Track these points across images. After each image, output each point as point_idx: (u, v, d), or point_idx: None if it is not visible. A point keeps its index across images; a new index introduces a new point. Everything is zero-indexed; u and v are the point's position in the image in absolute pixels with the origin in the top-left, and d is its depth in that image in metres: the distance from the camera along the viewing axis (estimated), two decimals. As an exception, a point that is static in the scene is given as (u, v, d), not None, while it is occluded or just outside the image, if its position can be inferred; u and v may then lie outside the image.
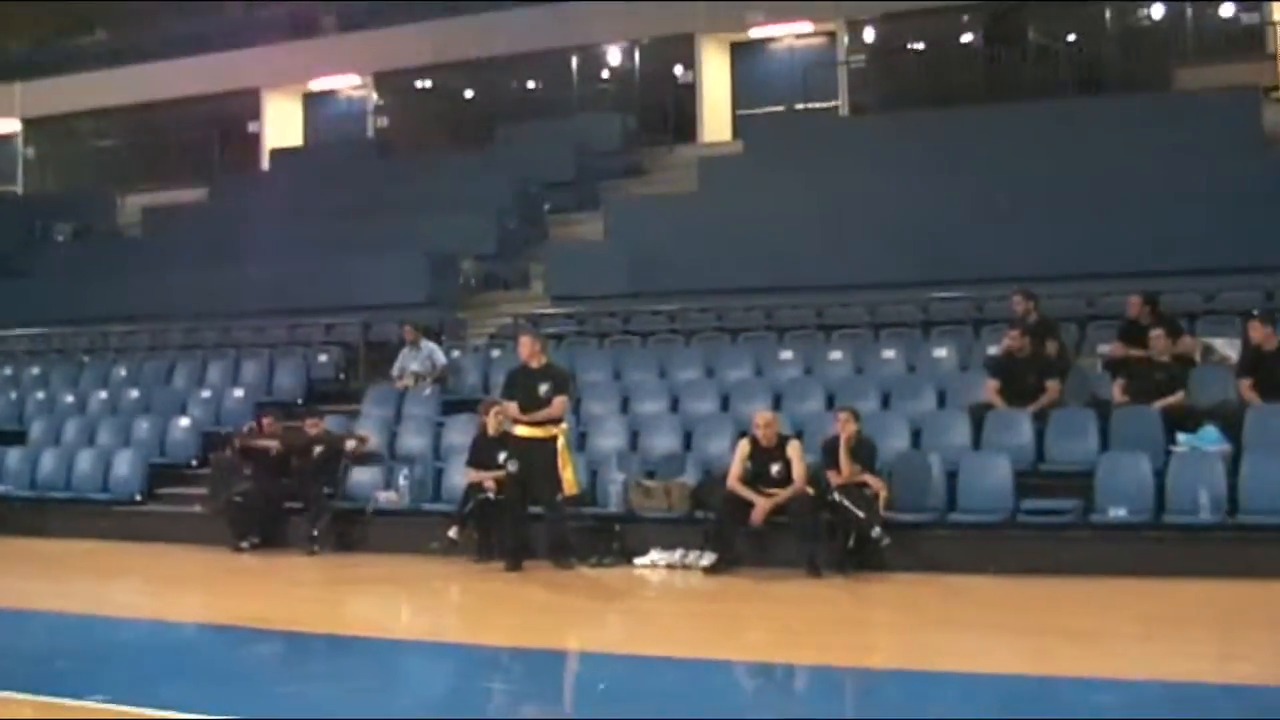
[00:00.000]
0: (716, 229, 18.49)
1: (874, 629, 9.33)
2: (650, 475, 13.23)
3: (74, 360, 20.74)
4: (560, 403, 12.42)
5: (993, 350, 13.46)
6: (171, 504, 15.82)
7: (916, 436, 12.80)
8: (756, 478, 12.00)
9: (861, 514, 11.41)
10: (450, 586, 12.00)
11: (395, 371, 16.92)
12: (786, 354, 15.11)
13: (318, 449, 14.33)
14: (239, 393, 17.49)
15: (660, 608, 10.59)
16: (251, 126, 30.82)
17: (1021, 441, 12.25)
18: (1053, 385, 12.58)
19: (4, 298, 23.28)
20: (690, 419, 14.17)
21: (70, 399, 18.72)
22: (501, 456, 12.74)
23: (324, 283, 20.16)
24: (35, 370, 20.15)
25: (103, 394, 18.52)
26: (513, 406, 12.50)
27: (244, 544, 14.20)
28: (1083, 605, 10.03)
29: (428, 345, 17.03)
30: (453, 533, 13.05)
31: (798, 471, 11.69)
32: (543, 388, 12.45)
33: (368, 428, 15.49)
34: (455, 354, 17.43)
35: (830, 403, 13.81)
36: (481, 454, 13.17)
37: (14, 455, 17.13)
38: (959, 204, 17.05)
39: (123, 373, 19.23)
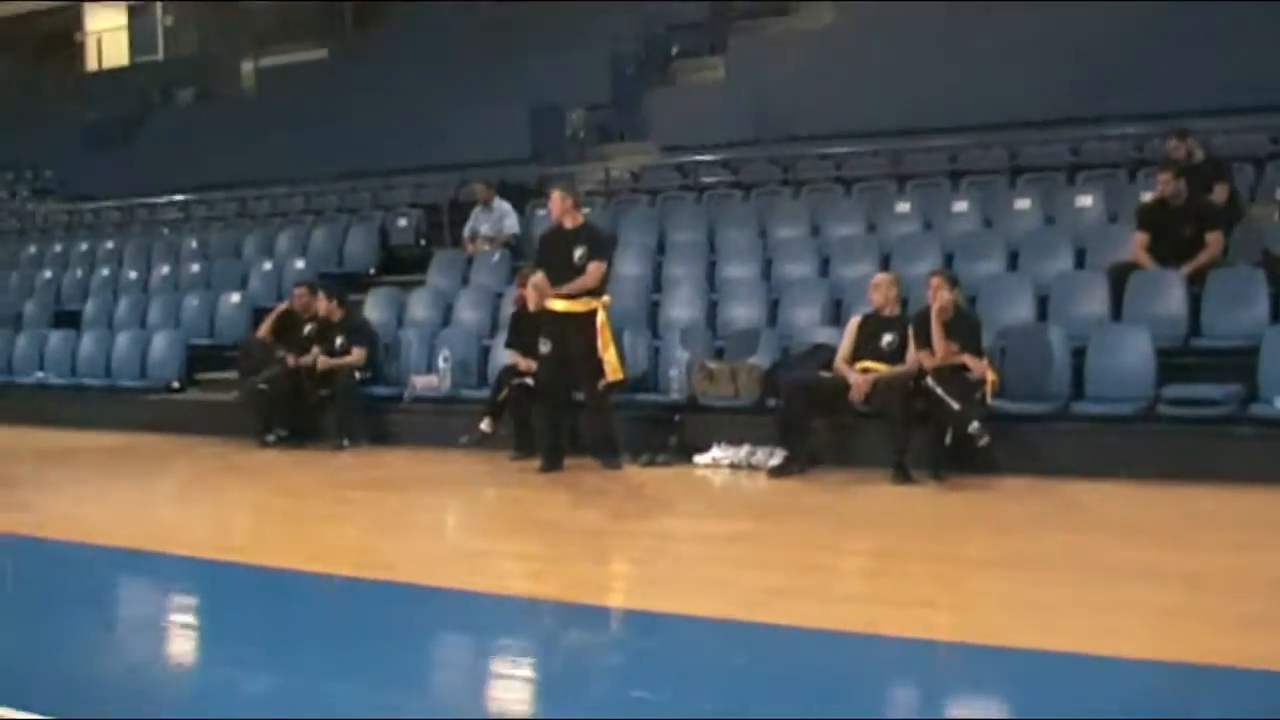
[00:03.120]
0: (847, 68, 15.89)
1: (948, 567, 6.91)
2: (720, 355, 10.96)
3: (154, 233, 19.10)
4: (597, 269, 10.23)
5: (1147, 197, 10.78)
6: (213, 391, 14.00)
7: (1043, 305, 10.30)
8: (868, 354, 9.73)
9: (957, 404, 9.00)
10: (461, 494, 9.98)
11: (466, 234, 14.95)
12: (904, 206, 12.65)
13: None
14: (300, 263, 15.57)
15: (695, 529, 8.33)
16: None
17: (1170, 311, 9.72)
18: (1214, 238, 9.98)
19: (115, 167, 22.02)
20: (781, 284, 11.86)
21: (133, 275, 17.06)
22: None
23: (417, 140, 18.11)
24: (109, 244, 18.54)
25: (165, 269, 16.80)
26: (541, 277, 10.31)
27: (270, 436, 12.39)
28: (1243, 525, 7.60)
29: (500, 205, 14.99)
30: (485, 425, 11.08)
31: (939, 342, 9.39)
32: (577, 252, 10.27)
33: (422, 302, 13.47)
34: (541, 213, 15.24)
35: (950, 264, 11.34)
36: (521, 333, 11.09)
37: (55, 339, 15.52)
38: (1119, 25, 14.11)
39: (193, 245, 17.46)
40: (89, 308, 16.43)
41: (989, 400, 9.32)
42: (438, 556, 7.63)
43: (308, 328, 12.79)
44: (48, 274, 18.20)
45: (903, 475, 9.13)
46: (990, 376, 9.37)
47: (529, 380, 10.80)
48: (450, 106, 18.49)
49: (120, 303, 16.19)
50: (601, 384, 10.26)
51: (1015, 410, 9.34)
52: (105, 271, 17.56)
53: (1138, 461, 8.90)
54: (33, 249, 19.72)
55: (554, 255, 10.38)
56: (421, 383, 12.11)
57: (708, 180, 15.39)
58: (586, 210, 14.63)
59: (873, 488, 9.12)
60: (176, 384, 14.29)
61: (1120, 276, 10.05)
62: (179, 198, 19.93)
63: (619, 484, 9.88)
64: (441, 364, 12.04)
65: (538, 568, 7.28)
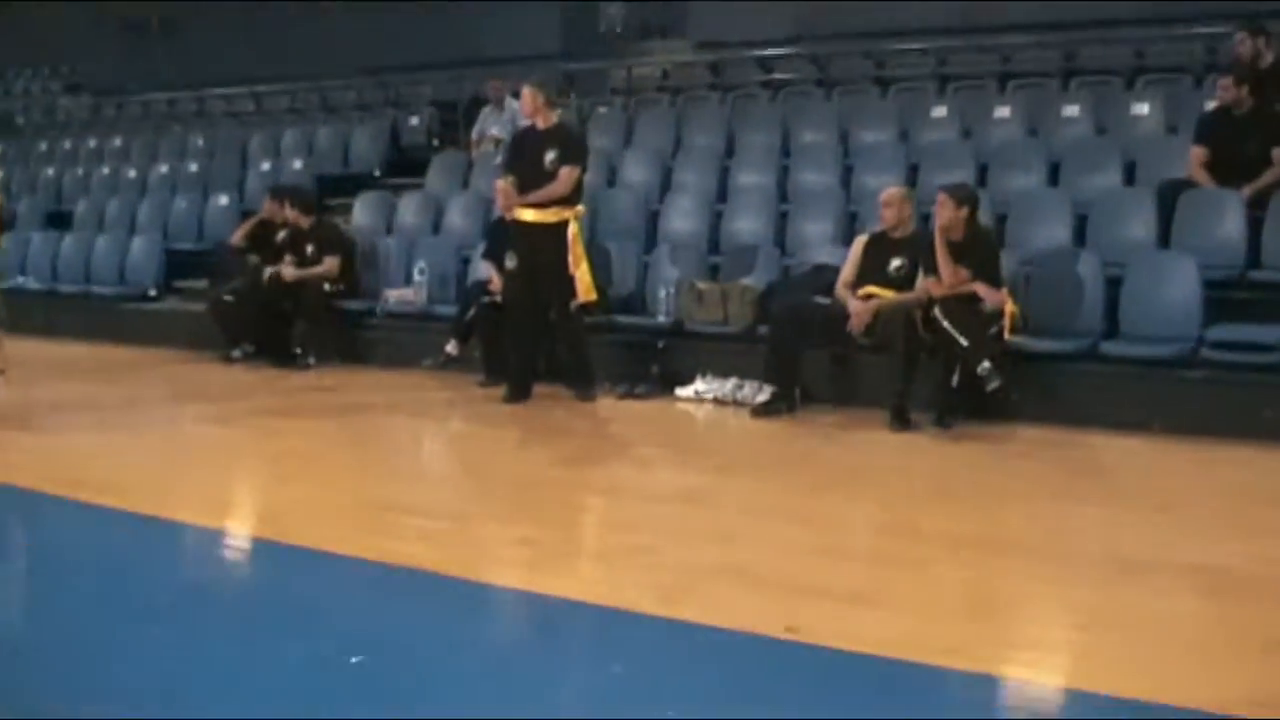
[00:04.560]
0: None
1: (918, 546, 5.64)
2: (714, 275, 9.71)
3: (166, 130, 18.03)
4: (569, 175, 8.99)
5: (1211, 105, 9.33)
6: (192, 301, 12.92)
7: (1081, 226, 8.92)
8: (874, 278, 8.42)
9: (965, 340, 7.70)
10: (405, 427, 8.86)
11: (475, 135, 13.71)
12: (940, 111, 11.25)
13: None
14: (299, 164, 14.41)
15: (646, 481, 7.12)
16: None
17: (1225, 237, 8.36)
18: (1281, 155, 8.53)
19: (145, 61, 21.06)
20: (795, 195, 10.54)
21: (132, 174, 15.98)
22: (512, 251, 9.41)
23: (441, 34, 16.86)
24: (117, 141, 17.47)
25: (164, 168, 15.69)
26: (507, 182, 9.10)
27: (235, 352, 11.34)
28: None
29: (513, 105, 13.63)
30: (450, 347, 10.00)
31: (944, 268, 8.03)
32: (548, 156, 9.05)
33: (413, 207, 12.30)
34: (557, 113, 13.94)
35: (983, 177, 10.01)
36: (499, 244, 9.85)
37: (38, 240, 14.51)
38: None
39: (200, 143, 16.35)
40: (80, 208, 15.42)
41: (1007, 336, 8.00)
42: (334, 509, 6.46)
43: (280, 236, 11.66)
44: (49, 171, 17.18)
45: (901, 420, 7.89)
46: (1009, 308, 8.07)
47: (499, 298, 9.59)
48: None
49: (110, 204, 15.09)
50: (573, 304, 9.06)
51: (1036, 348, 8.05)
52: (105, 170, 16.52)
53: (1175, 414, 7.62)
54: (43, 146, 18.68)
55: (523, 159, 9.19)
56: (395, 296, 10.99)
57: (736, 80, 14.02)
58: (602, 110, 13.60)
59: (866, 434, 7.89)
60: (153, 292, 13.17)
61: (1171, 196, 8.68)
62: (198, 93, 18.80)
63: (584, 419, 8.73)
64: (417, 276, 10.89)
65: (438, 528, 6.11)
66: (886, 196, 8.56)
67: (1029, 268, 8.51)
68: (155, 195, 14.98)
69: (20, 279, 14.05)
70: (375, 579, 5.06)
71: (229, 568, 5.55)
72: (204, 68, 19.51)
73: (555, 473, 7.25)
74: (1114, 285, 8.19)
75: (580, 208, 9.18)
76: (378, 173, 14.72)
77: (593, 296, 9.09)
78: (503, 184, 9.15)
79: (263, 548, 5.75)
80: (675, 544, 5.68)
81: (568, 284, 8.99)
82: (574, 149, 9.11)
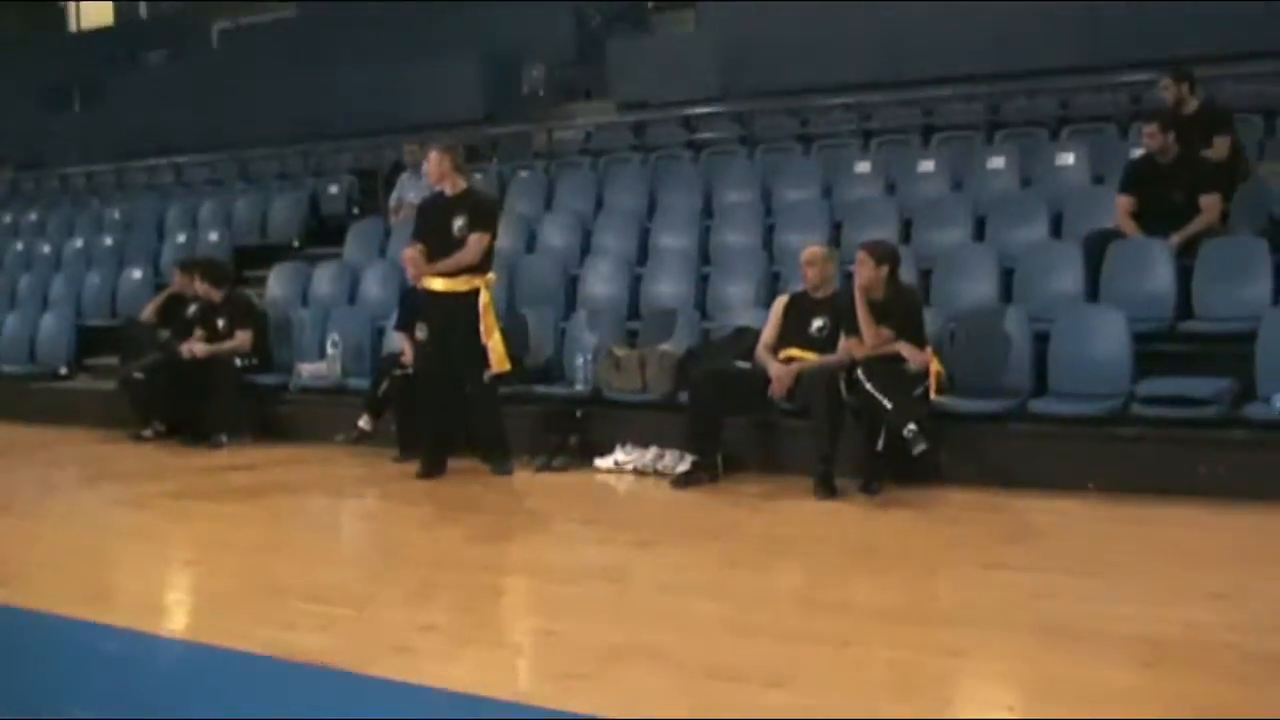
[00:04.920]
0: (816, 19, 14.10)
1: (839, 622, 5.35)
2: (632, 342, 9.42)
3: (84, 203, 17.63)
4: (478, 242, 8.70)
5: (1137, 154, 9.15)
6: (105, 378, 12.49)
7: (1008, 280, 8.69)
8: (795, 340, 8.13)
9: (889, 402, 7.42)
10: (313, 506, 8.48)
11: (392, 202, 13.34)
12: (863, 166, 11.03)
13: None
14: (214, 235, 14.07)
15: (559, 559, 6.78)
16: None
17: (1154, 288, 8.13)
18: (1209, 202, 8.39)
19: (67, 131, 20.69)
20: (717, 256, 10.29)
21: (47, 250, 15.55)
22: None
23: (363, 99, 16.55)
24: (33, 216, 17.07)
25: (78, 243, 15.29)
26: (415, 250, 8.79)
27: (147, 431, 10.92)
28: (1226, 563, 6.03)
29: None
30: (363, 422, 9.65)
31: (865, 328, 7.77)
32: (457, 223, 8.74)
33: (327, 277, 11.96)
34: (478, 176, 13.66)
35: (908, 232, 9.78)
36: (410, 315, 9.51)
37: (-48, 320, 14.06)
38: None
39: (116, 216, 15.97)
40: (-8, 285, 14.95)
41: (933, 396, 7.74)
42: (233, 597, 6.12)
43: (191, 310, 11.29)
44: (-37, 248, 16.72)
45: (826, 488, 7.59)
46: (934, 368, 7.81)
47: (412, 370, 9.27)
48: (398, 62, 16.95)
49: (22, 280, 14.67)
50: (486, 375, 8.74)
51: (963, 409, 7.79)
52: (19, 246, 16.07)
53: (1108, 473, 7.36)
54: (-43, 222, 18.22)
55: (432, 226, 8.88)
56: (309, 370, 10.63)
57: (659, 140, 13.81)
58: (524, 174, 13.32)
59: (791, 502, 7.59)
60: (64, 370, 12.75)
61: (1099, 247, 8.48)
62: (115, 165, 18.43)
63: (500, 494, 8.40)
64: (330, 349, 10.54)
65: (339, 615, 5.74)
66: (808, 255, 8.31)
67: (954, 324, 8.25)
68: (69, 270, 14.57)
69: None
70: (252, 674, 4.70)
71: (96, 664, 5.15)
72: (124, 139, 19.12)
73: (469, 552, 6.91)
74: (1042, 341, 7.96)
75: (491, 275, 8.88)
76: (296, 243, 14.38)
77: (506, 366, 8.79)
78: (411, 252, 8.85)
79: (142, 642, 5.36)
80: (584, 626, 5.37)
81: (480, 354, 8.68)
82: (483, 215, 8.83)
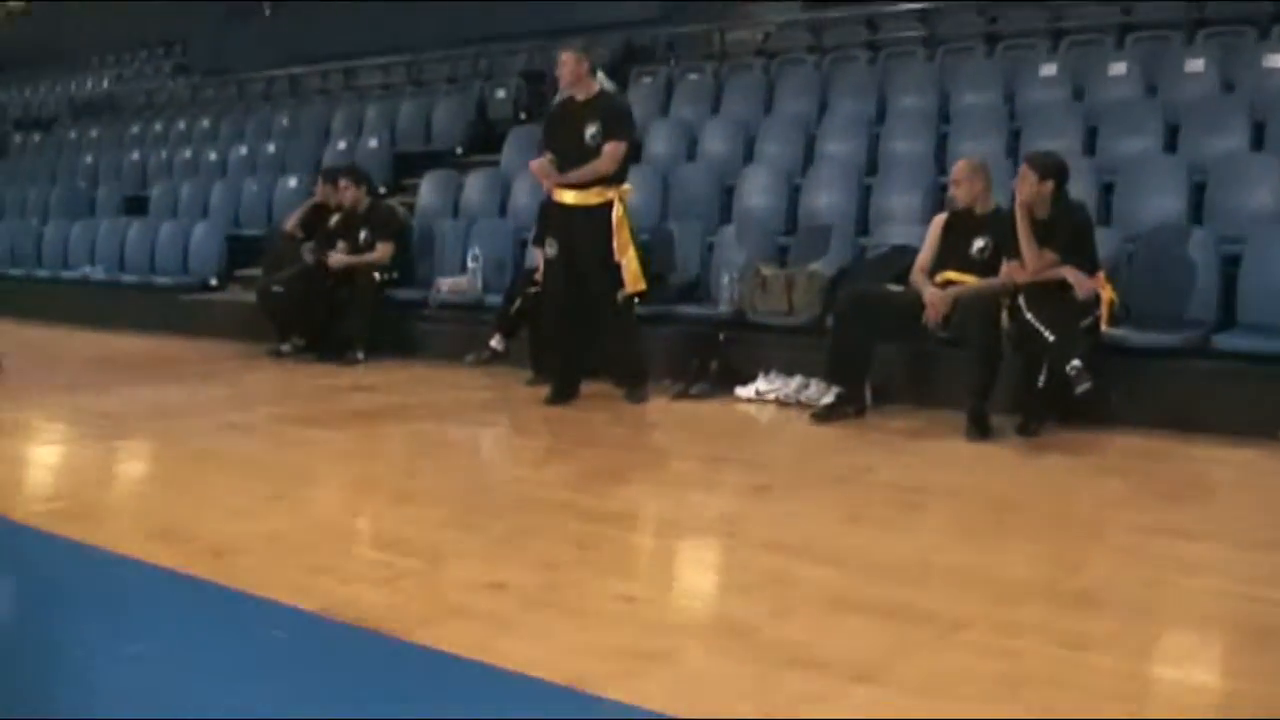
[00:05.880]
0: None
1: (957, 601, 4.58)
2: (782, 260, 8.68)
3: (255, 109, 17.38)
4: (614, 150, 8.03)
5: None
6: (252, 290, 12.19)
7: (1198, 197, 7.72)
8: (954, 262, 7.33)
9: (1052, 334, 6.58)
10: (429, 434, 7.89)
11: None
12: (1049, 69, 10.06)
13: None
14: (374, 142, 13.61)
15: (664, 507, 6.10)
16: None
17: (1367, 207, 7.07)
18: None
19: (250, 41, 20.61)
20: (886, 164, 9.48)
21: (213, 157, 15.31)
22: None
23: (535, 5, 15.87)
24: (205, 123, 16.84)
25: (243, 150, 15.01)
26: (544, 160, 8.15)
27: (285, 346, 10.60)
28: None
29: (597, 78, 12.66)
30: (495, 341, 9.17)
31: (1027, 250, 6.91)
32: (589, 130, 8.08)
33: (479, 186, 11.41)
34: (646, 81, 13.02)
35: (1092, 142, 8.84)
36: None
37: (105, 228, 13.90)
38: None
39: (284, 122, 15.64)
40: (155, 193, 14.80)
41: (1104, 328, 6.86)
42: (302, 542, 5.59)
43: (333, 220, 10.85)
44: (134, 155, 16.60)
45: (979, 428, 6.81)
46: (1106, 296, 6.91)
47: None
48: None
49: (184, 188, 14.43)
50: (620, 295, 8.09)
51: (1138, 342, 6.89)
52: (187, 153, 15.87)
53: (1302, 418, 6.38)
54: (134, 129, 18.15)
55: (562, 133, 8.23)
56: (448, 286, 10.12)
57: (840, 41, 12.92)
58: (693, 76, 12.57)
59: (938, 443, 6.83)
60: (214, 281, 12.45)
61: (1305, 160, 7.43)
62: (287, 70, 18.14)
63: (627, 426, 7.78)
64: (470, 263, 10.00)
65: (405, 568, 5.18)
66: (956, 171, 7.50)
67: (1133, 246, 7.33)
68: (230, 179, 14.30)
69: (87, 269, 13.45)
70: (294, 634, 4.17)
71: (135, 607, 4.66)
72: (303, 45, 18.87)
73: (572, 495, 6.28)
74: (1232, 265, 7.01)
75: (627, 186, 8.25)
76: (460, 149, 13.85)
77: (641, 286, 8.16)
78: (539, 163, 8.19)
79: (189, 589, 4.86)
80: (668, 594, 4.74)
81: (614, 272, 8.03)
82: (618, 121, 8.16)
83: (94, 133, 18.59)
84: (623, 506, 5.99)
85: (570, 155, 8.06)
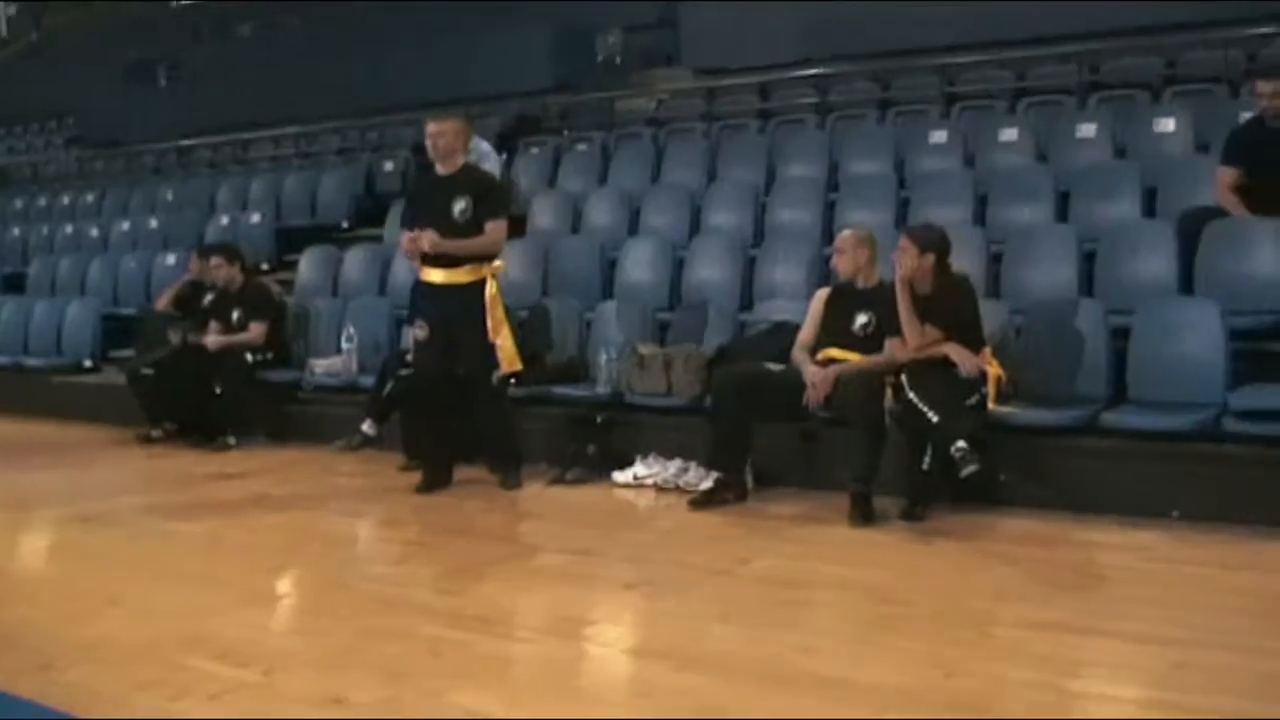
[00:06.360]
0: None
1: (850, 706, 4.25)
2: (662, 338, 8.35)
3: (141, 182, 16.94)
4: (496, 230, 7.68)
5: (1246, 117, 7.89)
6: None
7: (1089, 266, 7.48)
8: (836, 339, 6.99)
9: (933, 415, 6.27)
10: (285, 528, 7.42)
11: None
12: (939, 136, 9.83)
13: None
14: (256, 217, 13.21)
15: (526, 609, 5.69)
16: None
17: (1259, 275, 6.89)
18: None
19: (142, 108, 20.27)
20: (771, 235, 9.23)
21: (95, 233, 14.82)
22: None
23: (426, 71, 15.61)
24: (89, 197, 16.38)
25: (125, 225, 14.54)
26: (405, 236, 7.79)
27: (155, 431, 10.10)
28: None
29: (479, 145, 12.32)
30: (366, 426, 8.74)
31: (908, 327, 6.62)
32: (458, 206, 7.69)
33: (357, 263, 11.01)
34: (534, 151, 12.72)
35: (981, 212, 8.61)
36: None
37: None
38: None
39: (169, 196, 15.19)
40: (33, 270, 14.25)
41: (991, 406, 6.56)
42: (137, 649, 5.19)
43: (207, 299, 10.41)
44: (15, 231, 16.09)
45: (863, 513, 6.49)
46: (994, 372, 6.63)
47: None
48: (463, 33, 16.01)
49: (62, 265, 13.94)
50: (495, 377, 7.72)
51: (1027, 420, 6.58)
52: (69, 229, 15.38)
53: (1197, 500, 6.15)
54: (18, 203, 17.63)
55: (428, 209, 7.85)
56: (323, 367, 9.69)
57: (732, 109, 12.71)
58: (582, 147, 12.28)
59: (819, 530, 6.51)
60: (88, 363, 11.94)
61: (1195, 227, 7.23)
62: (184, 142, 17.75)
63: (497, 514, 7.41)
64: (345, 344, 9.58)
65: (237, 679, 4.77)
66: (839, 241, 7.21)
67: (1020, 319, 7.06)
68: (110, 255, 13.82)
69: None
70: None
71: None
72: (197, 116, 18.49)
73: (428, 595, 5.89)
74: (1123, 338, 6.73)
75: (499, 263, 7.87)
76: (346, 224, 13.46)
77: (517, 366, 7.81)
78: (410, 236, 7.80)
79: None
80: (520, 708, 4.33)
81: (488, 353, 7.66)
82: (495, 198, 7.89)
83: (-24, 208, 18.05)
84: (482, 608, 5.58)
85: (438, 232, 7.68)
